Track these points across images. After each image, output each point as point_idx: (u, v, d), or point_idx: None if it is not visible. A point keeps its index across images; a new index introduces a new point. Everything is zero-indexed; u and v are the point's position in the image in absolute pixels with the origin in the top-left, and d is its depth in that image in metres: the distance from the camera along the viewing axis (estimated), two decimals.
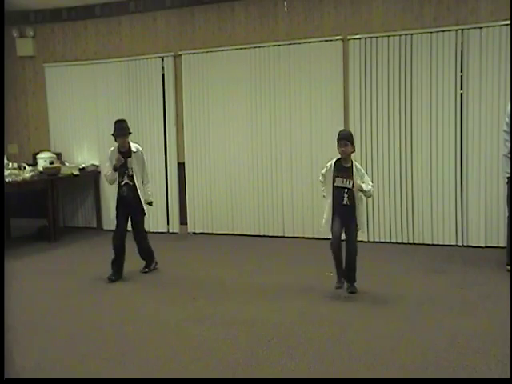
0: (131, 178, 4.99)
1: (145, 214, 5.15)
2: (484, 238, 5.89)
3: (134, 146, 5.05)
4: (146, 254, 5.25)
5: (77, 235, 7.28)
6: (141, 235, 5.16)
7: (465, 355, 3.21)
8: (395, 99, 6.11)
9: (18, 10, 7.53)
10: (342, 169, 4.32)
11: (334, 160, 4.37)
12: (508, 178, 4.95)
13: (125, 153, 4.98)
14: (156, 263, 5.31)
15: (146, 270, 5.23)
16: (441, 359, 3.16)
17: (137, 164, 5.02)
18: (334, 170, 4.34)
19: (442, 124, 5.96)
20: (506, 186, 5.04)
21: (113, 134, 4.97)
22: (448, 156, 5.97)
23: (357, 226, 4.38)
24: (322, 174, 4.44)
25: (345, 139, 4.28)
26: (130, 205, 5.02)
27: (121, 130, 4.93)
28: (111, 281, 4.92)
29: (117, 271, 4.99)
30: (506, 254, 5.09)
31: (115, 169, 4.94)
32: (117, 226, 5.06)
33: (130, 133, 5.04)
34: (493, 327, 3.64)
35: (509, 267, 4.93)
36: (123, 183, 4.99)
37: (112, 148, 5.06)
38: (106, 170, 5.09)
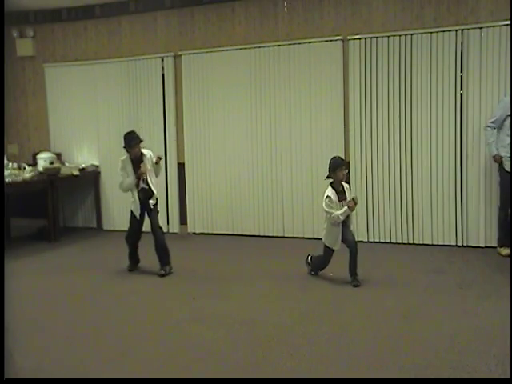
0: (146, 182, 5.14)
1: (158, 211, 5.26)
2: (484, 238, 5.89)
3: (145, 151, 5.15)
4: (163, 252, 5.16)
5: (77, 235, 7.28)
6: (160, 232, 5.14)
7: (465, 355, 3.21)
8: (395, 99, 6.11)
9: (18, 10, 7.53)
10: (339, 193, 4.67)
11: (330, 187, 4.66)
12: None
13: (137, 160, 5.09)
14: (171, 268, 5.19)
15: (163, 272, 5.10)
16: (441, 359, 3.16)
17: (149, 167, 5.12)
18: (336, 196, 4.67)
19: (441, 124, 5.96)
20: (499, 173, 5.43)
21: (125, 147, 5.06)
22: (448, 156, 5.97)
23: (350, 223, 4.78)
24: (331, 202, 4.59)
25: (346, 165, 4.74)
26: (146, 207, 5.17)
27: (132, 140, 5.03)
28: (130, 270, 5.34)
29: (134, 263, 5.38)
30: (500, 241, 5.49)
31: (139, 178, 5.09)
32: (130, 224, 5.23)
33: (142, 141, 5.11)
34: (493, 327, 3.64)
35: (503, 250, 5.34)
36: (140, 189, 5.13)
37: (123, 157, 5.13)
38: (122, 179, 5.15)
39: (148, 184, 5.12)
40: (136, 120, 7.26)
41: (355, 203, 4.61)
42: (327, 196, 4.60)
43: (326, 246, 4.76)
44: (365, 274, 4.72)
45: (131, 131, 5.13)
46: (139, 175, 5.06)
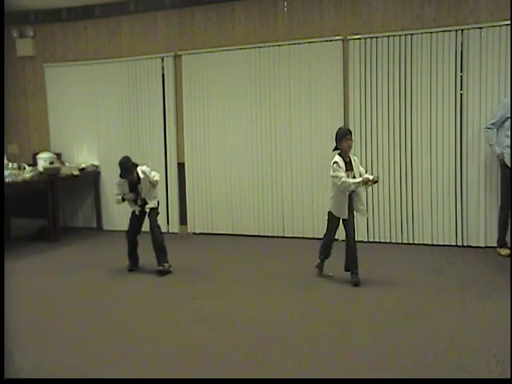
0: (143, 200, 5.24)
1: (158, 213, 5.34)
2: (484, 238, 5.89)
3: (140, 171, 5.16)
4: (161, 250, 5.20)
5: (77, 235, 7.28)
6: (157, 230, 5.20)
7: (465, 355, 3.21)
8: (395, 99, 6.12)
9: (18, 10, 7.53)
10: (345, 163, 4.62)
11: (337, 155, 4.63)
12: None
13: (134, 181, 5.17)
14: (170, 265, 5.22)
15: (161, 268, 5.15)
16: (441, 359, 3.16)
17: (145, 185, 5.17)
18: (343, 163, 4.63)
19: (441, 124, 5.96)
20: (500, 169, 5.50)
21: (121, 176, 5.12)
22: (448, 156, 5.97)
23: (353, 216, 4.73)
24: (339, 167, 4.55)
25: (351, 134, 4.63)
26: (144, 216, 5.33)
27: (127, 170, 5.07)
28: (130, 270, 5.36)
29: (133, 262, 5.41)
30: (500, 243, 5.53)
31: (124, 200, 5.23)
32: (130, 221, 5.35)
33: (137, 165, 5.16)
34: (493, 327, 3.64)
35: (502, 251, 5.35)
36: (138, 205, 5.28)
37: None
38: (116, 193, 5.28)
39: (146, 201, 5.22)
40: (136, 120, 7.28)
41: (374, 182, 4.56)
42: (335, 161, 4.56)
43: (331, 214, 4.73)
44: (365, 274, 4.72)
45: (124, 160, 5.08)
46: (125, 198, 5.20)
